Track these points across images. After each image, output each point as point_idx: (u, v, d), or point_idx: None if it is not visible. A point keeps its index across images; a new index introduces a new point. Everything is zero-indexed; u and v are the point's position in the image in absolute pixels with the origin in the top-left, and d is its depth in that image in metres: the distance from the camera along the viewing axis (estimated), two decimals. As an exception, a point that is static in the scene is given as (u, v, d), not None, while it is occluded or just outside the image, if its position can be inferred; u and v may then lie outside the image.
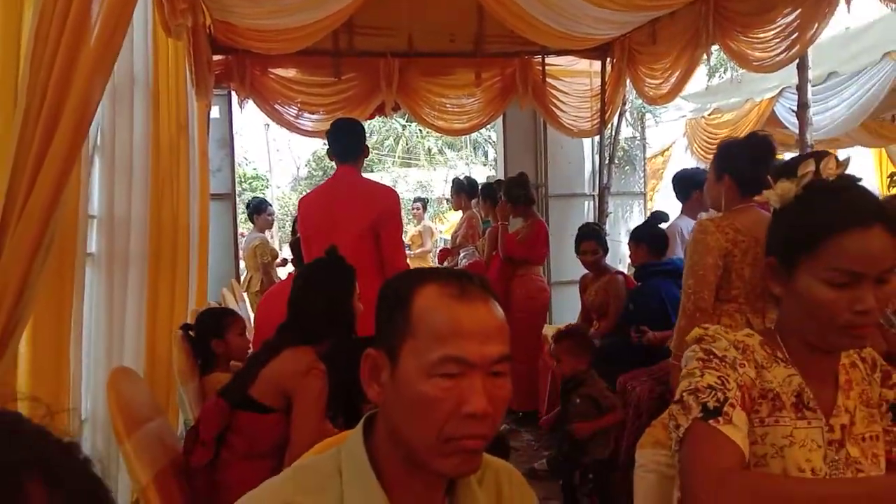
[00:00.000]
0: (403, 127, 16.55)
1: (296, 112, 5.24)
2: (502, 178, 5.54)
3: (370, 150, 3.57)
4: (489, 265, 4.74)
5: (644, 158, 7.03)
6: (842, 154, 7.59)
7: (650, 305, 3.44)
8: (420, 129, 15.63)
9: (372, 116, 5.66)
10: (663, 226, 3.81)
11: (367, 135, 3.53)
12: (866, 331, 1.11)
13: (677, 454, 1.12)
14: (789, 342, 1.20)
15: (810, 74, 3.96)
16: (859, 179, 1.18)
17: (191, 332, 2.73)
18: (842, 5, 3.31)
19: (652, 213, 4.04)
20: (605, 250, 4.15)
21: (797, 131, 4.05)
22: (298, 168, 20.11)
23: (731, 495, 1.00)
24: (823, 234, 1.10)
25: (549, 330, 5.13)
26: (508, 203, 4.56)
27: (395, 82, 5.14)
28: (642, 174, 6.88)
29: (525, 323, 4.50)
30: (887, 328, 2.45)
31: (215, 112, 5.23)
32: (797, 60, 3.75)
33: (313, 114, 5.24)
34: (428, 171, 16.31)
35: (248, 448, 1.89)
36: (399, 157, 17.07)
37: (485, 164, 15.86)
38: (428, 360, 0.87)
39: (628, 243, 3.87)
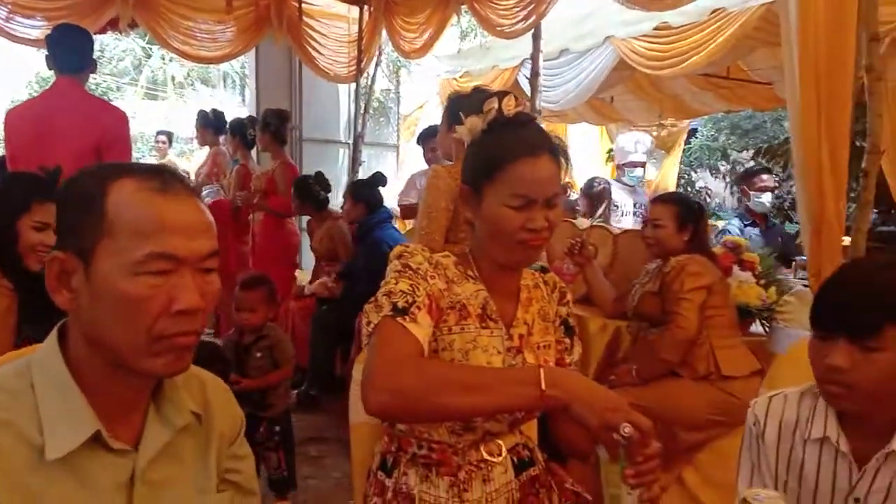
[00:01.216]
0: (148, 55, 14.99)
1: (6, 14, 4.46)
2: (255, 115, 5.33)
3: (97, 64, 3.18)
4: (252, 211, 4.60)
5: (398, 111, 7.20)
6: (573, 129, 8.51)
7: (379, 255, 3.66)
8: (164, 56, 14.26)
9: (103, 31, 5.03)
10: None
11: (98, 52, 3.14)
12: (539, 242, 1.28)
13: (367, 347, 1.21)
14: (480, 262, 1.35)
15: (547, 48, 4.35)
16: (534, 117, 1.37)
17: None
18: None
19: (373, 174, 4.25)
20: (310, 200, 4.30)
21: (532, 97, 4.44)
22: (15, 91, 17.23)
23: (402, 375, 1.12)
24: (501, 163, 1.25)
25: (299, 275, 5.11)
26: (265, 133, 4.43)
27: (132, -5, 4.61)
28: (396, 127, 7.06)
29: (276, 267, 4.44)
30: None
31: None
32: (533, 31, 4.08)
33: (29, 18, 4.50)
34: (177, 105, 15.00)
35: None
36: (143, 87, 15.45)
37: (242, 105, 15.03)
38: (131, 258, 0.82)
39: (345, 197, 4.15)
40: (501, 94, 1.38)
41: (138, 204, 0.84)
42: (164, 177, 0.87)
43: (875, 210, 5.77)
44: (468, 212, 1.35)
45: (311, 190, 4.29)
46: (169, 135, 8.06)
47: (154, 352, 0.85)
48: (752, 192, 4.35)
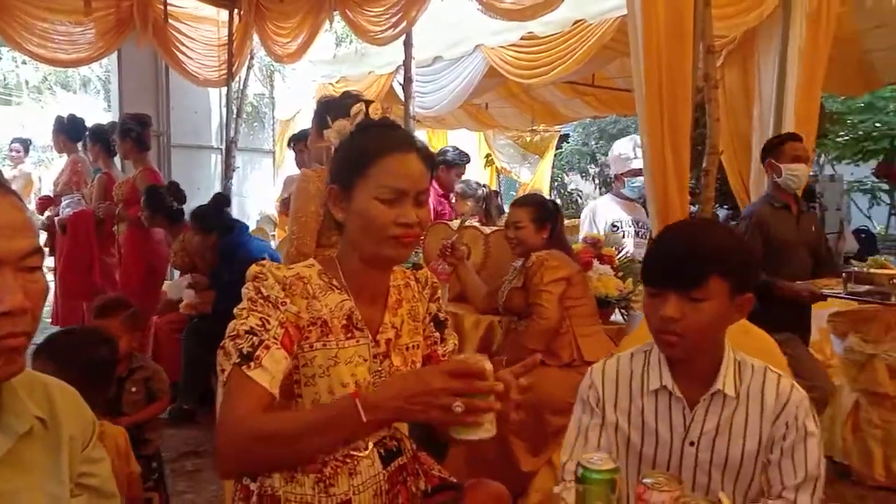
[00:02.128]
0: (-2, 56, 13.83)
1: None
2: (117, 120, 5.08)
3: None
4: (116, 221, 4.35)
5: (273, 116, 7.08)
6: (451, 134, 8.67)
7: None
8: (15, 58, 13.23)
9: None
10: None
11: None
12: (410, 239, 1.31)
13: (222, 395, 1.23)
14: (347, 267, 1.35)
15: (421, 55, 4.44)
16: (399, 124, 1.43)
17: None
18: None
19: (213, 197, 4.09)
20: (162, 212, 4.03)
21: (407, 102, 4.53)
22: None
23: (238, 439, 1.17)
24: (373, 158, 1.29)
25: (166, 286, 4.91)
26: (125, 140, 4.23)
27: (-23, -5, 4.30)
28: (272, 132, 6.94)
29: (143, 280, 4.29)
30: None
31: None
32: (404, 38, 4.17)
33: None
34: (34, 110, 13.92)
35: None
36: (-6, 91, 14.26)
37: (108, 110, 14.13)
38: None
39: (192, 231, 3.88)
40: (368, 102, 1.43)
41: None
42: None
43: (725, 207, 6.29)
44: (338, 212, 1.34)
45: (163, 201, 4.01)
46: (24, 142, 7.52)
47: None
48: (782, 166, 3.07)
